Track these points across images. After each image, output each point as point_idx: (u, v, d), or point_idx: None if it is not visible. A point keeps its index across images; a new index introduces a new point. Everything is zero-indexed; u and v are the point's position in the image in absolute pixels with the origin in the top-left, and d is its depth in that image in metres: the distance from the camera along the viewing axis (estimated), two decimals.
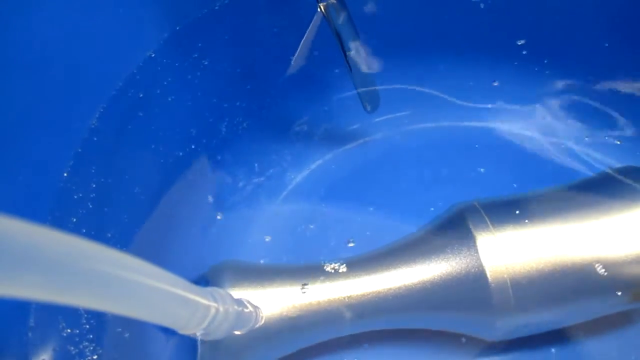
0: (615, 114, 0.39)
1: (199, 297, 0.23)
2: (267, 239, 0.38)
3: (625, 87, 0.39)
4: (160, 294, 0.20)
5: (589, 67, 0.39)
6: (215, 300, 0.24)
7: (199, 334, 0.24)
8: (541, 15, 0.38)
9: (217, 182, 0.39)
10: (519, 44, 0.39)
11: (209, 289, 0.25)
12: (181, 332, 0.23)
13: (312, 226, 0.38)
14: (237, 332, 0.28)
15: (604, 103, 0.39)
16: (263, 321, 0.29)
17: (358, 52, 0.34)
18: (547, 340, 0.33)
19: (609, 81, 0.39)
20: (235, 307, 0.26)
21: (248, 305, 0.28)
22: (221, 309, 0.24)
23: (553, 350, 0.33)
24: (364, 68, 0.35)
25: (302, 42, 0.37)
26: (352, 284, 0.30)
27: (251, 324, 0.28)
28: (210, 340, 0.28)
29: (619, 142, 0.39)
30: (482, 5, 0.38)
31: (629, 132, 0.39)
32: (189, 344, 0.30)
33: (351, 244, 0.37)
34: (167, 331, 0.33)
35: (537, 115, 0.41)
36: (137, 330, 0.32)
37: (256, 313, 0.28)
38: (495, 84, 0.41)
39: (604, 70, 0.39)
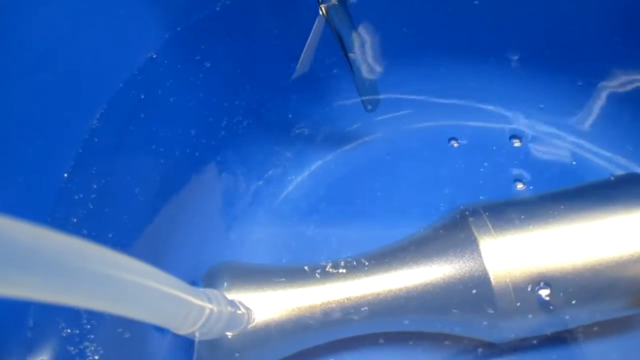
0: (620, 114, 0.39)
1: (193, 297, 0.23)
2: (266, 240, 0.38)
3: (630, 86, 0.39)
4: (155, 293, 0.20)
5: (593, 67, 0.39)
6: (210, 301, 0.24)
7: (195, 334, 0.24)
8: (541, 17, 0.38)
9: (217, 183, 0.39)
10: (519, 45, 0.39)
11: (203, 289, 0.25)
12: (175, 332, 0.23)
13: (311, 227, 0.38)
14: (228, 334, 0.28)
15: (607, 102, 0.39)
16: (255, 323, 0.29)
17: (358, 54, 0.34)
18: (549, 343, 0.33)
19: (611, 79, 0.39)
20: (229, 308, 0.26)
21: (240, 306, 0.28)
22: (215, 309, 0.24)
23: (554, 352, 0.33)
24: (365, 71, 0.35)
25: (305, 47, 0.37)
26: (351, 286, 0.30)
27: (243, 326, 0.28)
28: (209, 341, 0.28)
29: (630, 148, 0.39)
30: (476, 2, 0.38)
31: (633, 133, 0.39)
32: (188, 344, 0.30)
33: (351, 246, 0.37)
34: (166, 332, 0.33)
35: (539, 117, 0.41)
36: (137, 330, 0.32)
37: (248, 315, 0.28)
38: (497, 85, 0.41)
39: (608, 68, 0.39)
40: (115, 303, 0.18)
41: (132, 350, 0.31)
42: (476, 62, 0.41)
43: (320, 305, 0.30)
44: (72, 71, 0.31)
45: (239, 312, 0.28)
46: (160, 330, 0.32)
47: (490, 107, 0.42)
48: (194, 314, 0.23)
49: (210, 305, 0.24)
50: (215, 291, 0.26)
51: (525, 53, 0.40)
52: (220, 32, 0.36)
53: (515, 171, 0.39)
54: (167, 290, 0.20)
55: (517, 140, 0.40)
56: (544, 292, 0.29)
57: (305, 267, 0.32)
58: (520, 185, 0.38)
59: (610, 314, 0.31)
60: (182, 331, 0.23)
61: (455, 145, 0.41)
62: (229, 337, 0.28)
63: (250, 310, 0.29)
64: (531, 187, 0.34)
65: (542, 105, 0.41)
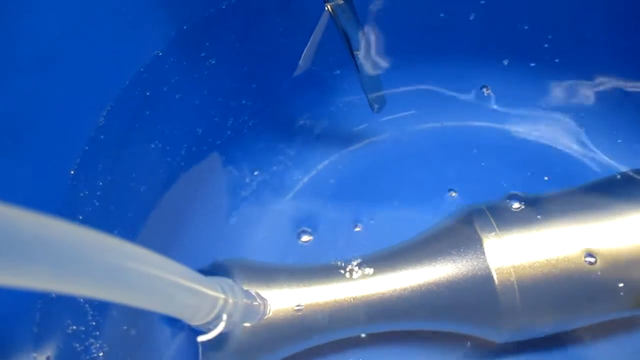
0: (622, 115, 0.39)
1: (207, 287, 0.23)
2: (272, 239, 0.38)
3: (630, 86, 0.39)
4: (166, 283, 0.20)
5: (596, 69, 0.39)
6: (224, 292, 0.24)
7: (209, 325, 0.24)
8: (551, 17, 0.38)
9: (222, 182, 0.39)
10: (527, 44, 0.39)
11: (218, 279, 0.25)
12: (189, 323, 0.23)
13: (318, 226, 0.38)
14: (246, 325, 0.28)
15: (611, 99, 0.39)
16: (271, 313, 0.29)
17: (364, 53, 0.34)
18: (553, 343, 0.33)
19: (614, 80, 0.39)
20: (245, 300, 0.26)
21: (256, 297, 0.28)
22: (230, 300, 0.24)
23: (559, 353, 0.33)
24: (370, 70, 0.35)
25: (309, 43, 0.37)
26: (357, 285, 0.30)
27: (259, 317, 0.28)
28: (214, 340, 0.28)
29: (620, 141, 0.39)
30: (482, 1, 0.38)
31: (634, 132, 0.39)
32: (195, 342, 0.30)
33: (357, 246, 0.37)
34: (174, 329, 0.33)
35: (545, 117, 0.41)
36: (143, 327, 0.32)
37: (264, 305, 0.28)
38: (503, 85, 0.41)
39: (611, 64, 0.39)
40: (126, 293, 0.18)
41: (137, 348, 0.32)
42: (483, 62, 0.41)
43: (326, 304, 0.30)
44: (78, 69, 0.31)
45: (255, 303, 0.27)
46: (170, 324, 0.32)
47: (495, 107, 0.42)
48: (207, 303, 0.23)
49: (224, 296, 0.24)
50: (229, 281, 0.26)
51: (534, 54, 0.40)
52: (226, 30, 0.36)
53: (521, 171, 0.39)
54: (179, 280, 0.20)
55: (524, 141, 0.40)
56: (549, 292, 0.29)
57: (311, 267, 0.32)
58: (524, 185, 0.38)
59: (616, 315, 0.31)
60: (197, 322, 0.23)
61: (460, 146, 0.41)
62: (234, 336, 0.28)
63: (266, 300, 0.29)
64: (536, 187, 0.34)
65: (550, 105, 0.41)
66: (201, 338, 0.25)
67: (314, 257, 0.36)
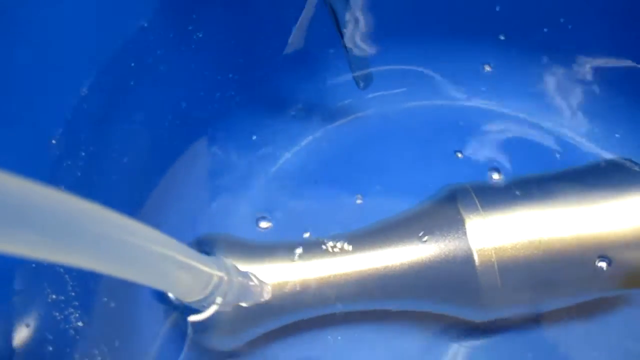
0: (616, 103, 0.39)
1: (202, 264, 0.22)
2: (254, 215, 0.38)
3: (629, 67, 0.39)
4: (162, 258, 0.19)
5: (586, 51, 0.39)
6: (220, 269, 0.24)
7: (203, 303, 0.24)
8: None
9: (207, 156, 0.39)
10: (516, 26, 0.39)
11: (212, 257, 0.25)
12: (183, 300, 0.23)
13: (301, 202, 0.38)
14: (243, 304, 0.28)
15: (605, 90, 0.39)
16: (270, 296, 0.29)
17: (352, 32, 0.34)
18: (533, 322, 0.34)
19: (600, 65, 0.39)
20: (240, 278, 0.26)
21: (254, 278, 0.28)
22: (225, 278, 0.24)
23: (538, 331, 0.34)
24: (358, 49, 0.35)
25: (299, 20, 0.36)
26: (336, 263, 0.30)
27: (256, 298, 0.28)
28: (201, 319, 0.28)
29: (618, 136, 0.39)
30: None
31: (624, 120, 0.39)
32: (183, 320, 0.30)
33: (339, 223, 0.37)
34: (160, 305, 0.33)
35: (533, 100, 0.41)
36: (123, 301, 0.32)
37: (262, 287, 0.28)
38: (491, 66, 0.41)
39: (597, 53, 0.39)
40: (119, 265, 0.18)
41: (120, 321, 0.32)
42: (472, 43, 0.41)
43: (306, 281, 0.30)
44: (62, 38, 0.30)
45: (250, 283, 0.27)
46: (157, 300, 0.32)
47: (483, 89, 0.42)
48: (201, 280, 0.22)
49: (219, 273, 0.24)
50: (225, 260, 0.26)
51: (522, 35, 0.39)
52: (214, 2, 0.36)
53: (508, 153, 0.39)
54: (173, 255, 0.20)
55: (511, 123, 0.41)
56: (530, 272, 0.29)
57: (293, 243, 0.32)
58: (512, 167, 0.38)
59: (596, 294, 0.32)
60: (189, 299, 0.23)
61: (448, 125, 0.41)
62: (220, 315, 0.28)
63: (264, 282, 0.29)
64: (522, 169, 0.34)
65: (539, 88, 0.41)
66: (192, 318, 0.25)
67: (297, 234, 0.36)
